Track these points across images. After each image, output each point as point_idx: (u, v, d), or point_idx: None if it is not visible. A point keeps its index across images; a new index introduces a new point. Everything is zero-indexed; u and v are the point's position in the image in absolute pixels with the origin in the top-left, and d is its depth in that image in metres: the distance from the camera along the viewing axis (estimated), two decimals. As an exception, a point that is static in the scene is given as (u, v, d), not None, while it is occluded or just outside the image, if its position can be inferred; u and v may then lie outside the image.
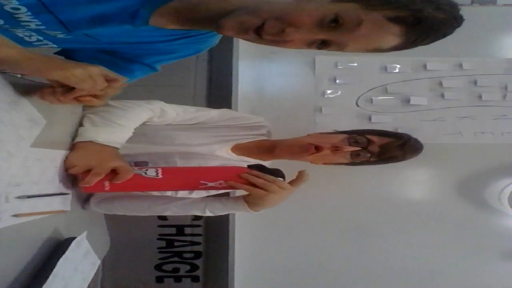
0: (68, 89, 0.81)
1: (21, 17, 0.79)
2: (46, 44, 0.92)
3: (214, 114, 1.35)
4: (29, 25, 0.82)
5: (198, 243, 1.88)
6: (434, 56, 1.83)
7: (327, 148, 1.32)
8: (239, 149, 1.37)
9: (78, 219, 1.09)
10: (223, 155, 1.33)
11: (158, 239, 1.87)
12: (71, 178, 0.99)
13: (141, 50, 1.00)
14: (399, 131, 1.66)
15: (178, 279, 1.89)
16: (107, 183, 0.94)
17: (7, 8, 0.75)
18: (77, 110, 1.02)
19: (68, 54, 1.03)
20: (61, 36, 0.87)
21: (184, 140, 1.28)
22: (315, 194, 1.74)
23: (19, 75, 0.80)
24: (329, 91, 1.85)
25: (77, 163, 0.95)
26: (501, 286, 1.80)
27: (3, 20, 0.80)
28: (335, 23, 0.75)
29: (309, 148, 1.32)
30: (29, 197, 0.83)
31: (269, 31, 0.76)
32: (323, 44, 0.80)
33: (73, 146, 0.99)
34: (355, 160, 1.35)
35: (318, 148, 1.32)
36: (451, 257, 1.80)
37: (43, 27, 0.82)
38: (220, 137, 1.34)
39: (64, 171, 0.96)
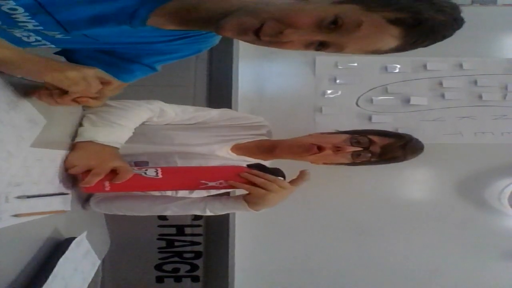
0: (64, 90, 0.81)
1: (18, 18, 0.78)
2: (45, 45, 0.92)
3: (213, 114, 1.35)
4: (26, 26, 0.81)
5: (198, 243, 1.88)
6: (434, 56, 1.83)
7: (329, 148, 1.32)
8: (239, 149, 1.37)
9: (78, 219, 1.09)
10: (223, 155, 1.33)
11: (158, 239, 1.87)
12: (71, 178, 0.99)
13: (140, 50, 1.00)
14: (399, 131, 1.66)
15: (178, 279, 1.89)
16: (107, 183, 0.94)
17: (4, 8, 0.75)
18: (76, 110, 1.02)
19: (68, 54, 1.03)
20: (59, 36, 0.87)
21: (183, 140, 1.28)
22: (315, 194, 1.74)
23: (18, 76, 0.80)
24: (329, 91, 1.85)
25: (77, 163, 0.95)
26: (501, 286, 1.80)
27: (0, 20, 0.80)
28: (334, 24, 0.75)
29: (312, 148, 1.32)
30: (29, 197, 0.83)
31: (267, 32, 0.75)
32: (322, 46, 0.79)
33: (73, 146, 1.00)
34: (356, 160, 1.35)
35: (320, 148, 1.32)
36: (451, 257, 1.80)
37: (40, 27, 0.82)
38: (220, 137, 1.34)
39: (64, 171, 0.96)
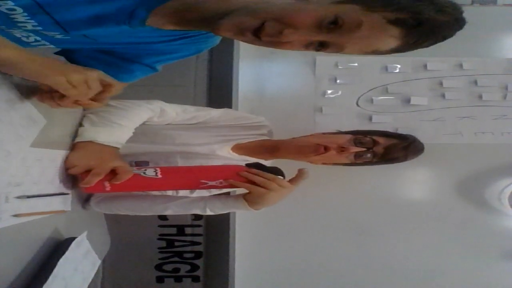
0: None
1: (17, 18, 0.78)
2: (44, 45, 0.92)
3: (214, 113, 1.35)
4: (25, 26, 0.81)
5: (199, 243, 1.88)
6: (434, 56, 1.83)
7: (333, 149, 1.32)
8: (240, 148, 1.37)
9: (78, 219, 1.09)
10: (224, 154, 1.33)
11: (159, 239, 1.87)
12: (71, 178, 0.99)
13: (140, 50, 1.00)
14: (399, 131, 1.66)
15: (178, 279, 1.89)
16: (107, 183, 0.94)
17: (2, 9, 0.75)
18: (76, 110, 1.02)
19: (68, 54, 1.03)
20: (59, 36, 0.87)
21: (184, 140, 1.28)
22: (315, 194, 1.74)
23: (20, 77, 0.80)
24: (329, 91, 1.85)
25: (77, 163, 0.95)
26: (501, 286, 1.80)
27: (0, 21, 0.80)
28: (334, 24, 0.75)
29: (319, 148, 1.32)
30: (29, 197, 0.83)
31: (268, 32, 0.75)
32: (321, 46, 0.79)
33: (73, 146, 0.99)
34: (358, 161, 1.35)
35: (326, 149, 1.32)
36: (451, 257, 1.80)
37: (39, 28, 0.82)
38: (221, 137, 1.34)
39: (64, 171, 0.96)
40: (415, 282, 1.81)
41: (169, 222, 1.86)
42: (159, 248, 1.88)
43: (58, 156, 0.95)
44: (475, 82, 1.84)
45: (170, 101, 1.26)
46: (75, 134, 1.01)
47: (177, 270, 1.89)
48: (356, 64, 1.86)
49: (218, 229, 1.80)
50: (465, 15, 0.78)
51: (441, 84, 1.84)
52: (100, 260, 1.10)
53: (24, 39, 0.89)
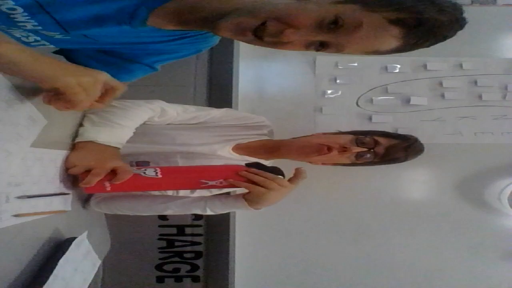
0: None
1: (17, 18, 0.78)
2: (44, 45, 0.92)
3: (215, 113, 1.35)
4: (25, 26, 0.81)
5: (199, 243, 1.88)
6: (434, 56, 1.84)
7: (335, 149, 1.32)
8: (240, 148, 1.37)
9: (79, 219, 1.09)
10: (225, 154, 1.33)
11: (159, 239, 1.87)
12: (72, 178, 0.99)
13: (140, 50, 1.00)
14: (399, 131, 1.66)
15: (178, 279, 1.89)
16: (107, 184, 0.94)
17: (3, 8, 0.75)
18: (77, 110, 1.02)
19: (67, 53, 1.03)
20: (59, 36, 0.87)
21: (185, 140, 1.28)
22: (315, 194, 1.74)
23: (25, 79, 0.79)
24: (329, 91, 1.86)
25: (78, 163, 0.95)
26: (501, 286, 1.80)
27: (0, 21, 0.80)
28: (335, 24, 0.74)
29: (322, 148, 1.32)
30: (29, 197, 0.83)
31: (269, 31, 0.75)
32: (322, 46, 0.79)
33: (73, 146, 0.99)
34: (359, 161, 1.35)
35: (329, 149, 1.32)
36: (451, 257, 1.80)
37: (39, 27, 0.82)
38: (222, 137, 1.33)
39: (64, 171, 0.96)
40: (415, 282, 1.81)
41: (169, 222, 1.86)
42: (159, 248, 1.88)
43: (58, 156, 0.94)
44: (475, 82, 1.84)
45: (170, 101, 1.26)
46: (76, 134, 1.01)
47: (177, 270, 1.89)
48: (356, 64, 1.86)
49: (218, 229, 1.80)
50: (465, 15, 0.78)
51: (441, 84, 1.84)
52: (100, 260, 1.10)
53: (24, 39, 0.89)
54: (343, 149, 1.32)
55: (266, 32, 0.76)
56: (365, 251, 1.81)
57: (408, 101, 1.83)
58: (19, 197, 0.80)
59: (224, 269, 1.78)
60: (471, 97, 1.84)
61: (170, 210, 1.11)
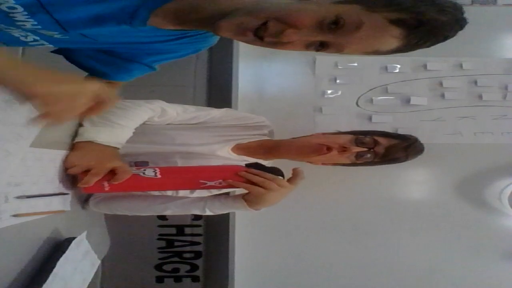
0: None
1: (16, 17, 0.78)
2: (43, 44, 0.92)
3: (215, 113, 1.35)
4: (24, 25, 0.81)
5: (198, 243, 1.88)
6: (434, 56, 1.83)
7: (335, 149, 1.32)
8: (240, 149, 1.37)
9: (78, 219, 1.09)
10: (224, 155, 1.33)
11: (158, 239, 1.87)
12: (71, 178, 0.99)
13: (139, 50, 1.00)
14: (399, 131, 1.66)
15: (178, 279, 1.89)
16: (106, 184, 0.94)
17: (2, 7, 0.75)
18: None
19: (67, 53, 1.03)
20: (57, 36, 0.86)
21: (184, 140, 1.28)
22: (315, 194, 1.74)
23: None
24: (329, 91, 1.85)
25: (77, 163, 0.95)
26: (501, 286, 1.80)
27: None
28: (335, 24, 0.74)
29: (321, 148, 1.32)
30: (28, 197, 0.83)
31: (271, 31, 0.75)
32: (322, 46, 0.79)
33: (73, 146, 0.99)
34: (359, 161, 1.35)
35: (328, 149, 1.32)
36: (451, 257, 1.80)
37: (38, 26, 0.82)
38: (221, 137, 1.33)
39: (64, 171, 0.96)
40: (414, 282, 1.81)
41: (169, 222, 1.86)
42: (158, 248, 1.88)
43: (58, 156, 0.94)
44: (475, 82, 1.84)
45: (170, 101, 1.26)
46: (75, 134, 1.01)
47: (176, 270, 1.89)
48: (356, 64, 1.86)
49: (217, 229, 1.79)
50: (465, 15, 0.78)
51: (441, 84, 1.84)
52: (99, 260, 1.10)
53: (23, 38, 0.89)
54: (343, 149, 1.32)
55: (267, 32, 0.75)
56: (365, 251, 1.81)
57: (408, 101, 1.83)
58: (18, 197, 0.80)
59: (223, 269, 1.77)
60: (471, 97, 1.84)
61: (169, 211, 1.11)
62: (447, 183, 1.81)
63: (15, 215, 0.79)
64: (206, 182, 0.99)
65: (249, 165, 1.03)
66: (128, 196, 1.15)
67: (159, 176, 0.99)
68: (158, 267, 1.88)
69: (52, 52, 1.00)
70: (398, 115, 1.84)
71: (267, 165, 1.06)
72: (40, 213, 0.87)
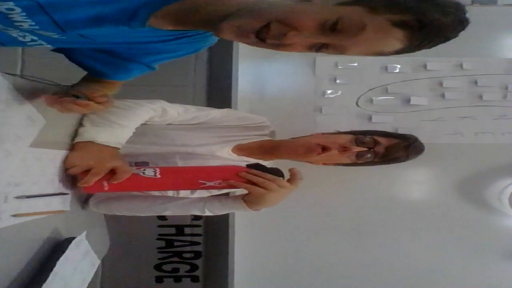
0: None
1: (14, 18, 0.77)
2: (41, 44, 0.92)
3: (216, 114, 1.34)
4: (22, 26, 0.81)
5: (198, 243, 1.88)
6: (434, 56, 1.83)
7: (335, 149, 1.32)
8: (240, 149, 1.36)
9: (78, 219, 1.09)
10: (224, 155, 1.33)
11: (158, 239, 1.87)
12: (71, 178, 0.99)
13: (138, 49, 0.99)
14: (399, 131, 1.66)
15: (178, 279, 1.89)
16: (105, 183, 0.94)
17: (1, 8, 0.74)
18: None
19: (66, 52, 1.03)
20: (55, 36, 0.86)
21: (185, 141, 1.27)
22: (315, 194, 1.74)
23: (18, 74, 0.80)
24: (329, 91, 1.85)
25: (77, 163, 0.95)
26: (501, 286, 1.80)
27: None
28: (337, 27, 0.74)
29: (316, 148, 1.32)
30: (28, 197, 0.83)
31: (273, 33, 0.75)
32: (324, 48, 0.78)
33: (73, 146, 0.99)
34: (359, 161, 1.35)
35: (325, 149, 1.32)
36: (451, 257, 1.80)
37: (36, 27, 0.81)
38: (222, 138, 1.33)
39: (64, 171, 0.96)
40: (415, 282, 1.81)
41: (168, 222, 1.86)
42: (158, 248, 1.88)
43: (57, 156, 0.94)
44: (475, 82, 1.84)
45: (170, 101, 1.25)
46: (75, 134, 1.01)
47: (176, 270, 1.89)
48: (356, 64, 1.86)
49: (217, 229, 1.79)
50: (467, 14, 0.78)
51: (441, 84, 1.84)
52: (99, 260, 1.10)
53: (21, 38, 0.88)
54: (344, 149, 1.32)
55: (269, 34, 0.75)
56: (365, 251, 1.81)
57: (408, 101, 1.83)
58: (18, 197, 0.80)
59: (223, 269, 1.77)
60: (471, 97, 1.84)
61: (169, 211, 1.11)
62: (447, 183, 1.81)
63: (15, 215, 0.79)
64: (205, 182, 0.99)
65: (249, 166, 1.03)
66: (128, 196, 1.15)
67: (158, 176, 0.99)
68: (158, 267, 1.88)
69: (52, 50, 1.00)
70: (398, 115, 1.84)
71: (267, 166, 1.06)
72: (40, 213, 0.87)
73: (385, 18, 0.73)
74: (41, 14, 0.77)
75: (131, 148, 1.15)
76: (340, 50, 0.78)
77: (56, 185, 0.94)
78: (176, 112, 1.24)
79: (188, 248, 1.88)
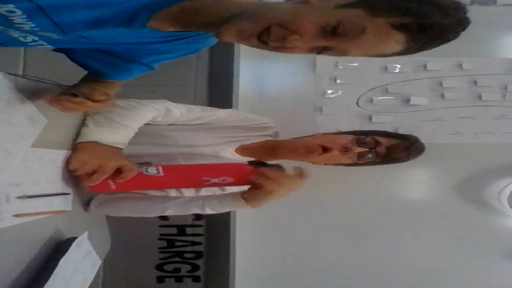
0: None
1: (15, 20, 0.78)
2: (42, 45, 0.92)
3: (221, 114, 1.34)
4: (23, 27, 0.81)
5: (199, 243, 1.88)
6: (434, 56, 1.83)
7: (336, 149, 1.32)
8: (243, 150, 1.36)
9: (79, 219, 1.09)
10: (227, 156, 1.33)
11: (159, 239, 1.87)
12: (73, 178, 0.99)
13: (138, 50, 1.00)
14: (399, 131, 1.66)
15: (179, 279, 1.89)
16: (111, 182, 0.96)
17: (1, 10, 0.75)
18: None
19: (67, 52, 1.03)
20: (56, 37, 0.86)
21: (189, 141, 1.27)
22: (315, 194, 1.74)
23: (20, 75, 0.80)
24: (329, 91, 1.85)
25: (88, 163, 0.96)
26: (502, 286, 1.80)
27: None
28: (338, 30, 0.74)
29: (317, 149, 1.32)
30: (30, 197, 0.83)
31: (274, 37, 0.75)
32: (325, 50, 0.79)
33: (77, 147, 0.99)
34: (360, 161, 1.35)
35: (326, 149, 1.32)
36: (451, 257, 1.80)
37: (37, 29, 0.82)
38: (225, 138, 1.33)
39: (65, 171, 0.96)
40: (415, 282, 1.81)
41: (170, 222, 1.86)
42: (159, 248, 1.88)
43: (58, 156, 0.95)
44: (475, 82, 1.84)
45: (171, 100, 1.25)
46: (77, 134, 1.01)
47: (177, 270, 1.89)
48: (356, 64, 1.86)
49: (218, 229, 1.79)
50: (468, 14, 0.78)
51: (441, 84, 1.84)
52: (100, 260, 1.10)
53: (22, 39, 0.89)
54: (345, 150, 1.32)
55: (270, 38, 0.75)
56: (365, 251, 1.81)
57: (408, 101, 1.83)
58: (19, 197, 0.80)
59: (224, 269, 1.77)
60: (471, 97, 1.84)
61: (169, 210, 1.11)
62: (447, 183, 1.81)
63: (16, 215, 0.79)
64: (209, 179, 1.00)
65: (251, 162, 1.04)
66: (128, 198, 1.15)
67: (162, 174, 1.00)
68: (159, 267, 1.88)
69: (53, 50, 1.00)
70: (398, 115, 1.84)
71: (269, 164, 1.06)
72: (42, 213, 0.88)
73: (385, 21, 0.73)
74: (42, 16, 0.77)
75: (134, 150, 1.15)
76: (341, 52, 0.78)
77: (57, 185, 0.94)
78: (179, 112, 1.24)
79: (189, 248, 1.88)
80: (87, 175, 0.95)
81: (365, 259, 1.81)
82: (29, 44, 0.91)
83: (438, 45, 0.78)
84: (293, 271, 1.82)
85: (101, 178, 0.94)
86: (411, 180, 1.85)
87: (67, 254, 0.90)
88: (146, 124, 1.15)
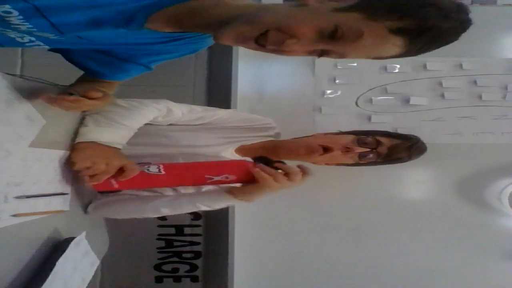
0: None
1: (12, 20, 0.77)
2: (39, 45, 0.92)
3: (222, 114, 1.34)
4: (19, 28, 0.81)
5: (198, 243, 1.88)
6: (434, 56, 1.82)
7: (338, 149, 1.32)
8: (243, 150, 1.36)
9: (78, 219, 1.09)
10: (228, 156, 1.32)
11: (158, 239, 1.87)
12: (71, 178, 0.99)
13: (136, 50, 1.00)
14: (399, 131, 1.66)
15: (177, 279, 1.89)
16: (113, 181, 0.96)
17: None
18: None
19: (65, 53, 1.03)
20: (53, 37, 0.86)
21: (189, 142, 1.27)
22: (315, 194, 1.74)
23: (17, 75, 0.80)
24: (328, 91, 1.85)
25: (96, 162, 0.96)
26: (502, 286, 1.80)
27: None
28: (335, 34, 0.74)
29: (318, 149, 1.32)
30: (28, 197, 0.83)
31: (271, 41, 0.75)
32: (324, 53, 0.79)
33: (75, 146, 0.99)
34: (362, 161, 1.35)
35: (327, 149, 1.31)
36: (451, 257, 1.80)
37: (34, 29, 0.81)
38: (227, 138, 1.33)
39: (67, 170, 0.96)
40: (415, 282, 1.81)
41: (168, 222, 1.86)
42: (158, 248, 1.88)
43: (57, 156, 0.94)
44: (475, 82, 1.84)
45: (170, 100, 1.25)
46: (75, 134, 1.00)
47: (176, 270, 1.89)
48: (355, 64, 1.86)
49: (217, 229, 1.79)
50: (470, 15, 0.77)
51: (441, 84, 1.84)
52: (99, 260, 1.10)
53: (19, 39, 0.88)
54: (346, 150, 1.32)
55: (270, 41, 0.75)
56: (365, 251, 1.81)
57: (407, 101, 1.83)
58: (18, 197, 0.80)
59: (223, 269, 1.77)
60: (471, 97, 1.84)
61: (165, 209, 1.12)
62: (447, 183, 1.81)
63: (14, 215, 0.79)
64: (212, 177, 1.00)
65: (256, 159, 1.04)
66: (121, 200, 1.15)
67: (162, 172, 1.00)
68: (158, 267, 1.88)
69: (49, 50, 1.00)
70: (397, 115, 1.84)
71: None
72: (40, 213, 0.87)
73: (383, 25, 0.73)
74: (38, 17, 0.77)
75: (135, 150, 1.14)
76: (340, 55, 0.79)
77: (56, 185, 0.94)
78: (180, 112, 1.24)
79: (187, 248, 1.88)
80: (91, 175, 0.95)
81: (365, 259, 1.81)
82: (26, 44, 0.91)
83: (437, 48, 0.78)
84: (292, 271, 1.82)
85: (105, 178, 0.94)
86: (411, 180, 1.85)
87: (65, 253, 0.90)
88: (146, 124, 1.15)
